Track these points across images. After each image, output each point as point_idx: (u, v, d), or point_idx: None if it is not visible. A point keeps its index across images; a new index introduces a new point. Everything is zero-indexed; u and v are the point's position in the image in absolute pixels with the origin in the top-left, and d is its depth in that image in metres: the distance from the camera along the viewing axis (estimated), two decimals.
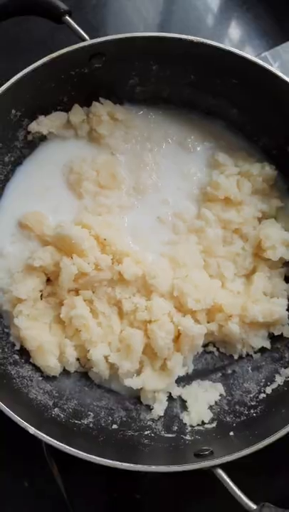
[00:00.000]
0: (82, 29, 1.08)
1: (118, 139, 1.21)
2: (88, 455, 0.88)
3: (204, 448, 0.97)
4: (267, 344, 1.17)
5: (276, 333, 1.16)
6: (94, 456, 0.88)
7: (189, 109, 1.25)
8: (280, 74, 1.07)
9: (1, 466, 1.21)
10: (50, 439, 0.88)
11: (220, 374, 1.18)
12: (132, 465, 0.89)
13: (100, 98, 1.20)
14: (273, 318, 1.11)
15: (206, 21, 1.56)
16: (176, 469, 0.89)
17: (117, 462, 0.89)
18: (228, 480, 0.88)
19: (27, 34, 1.44)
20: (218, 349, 1.20)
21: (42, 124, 1.17)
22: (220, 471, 0.89)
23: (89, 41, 1.05)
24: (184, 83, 1.19)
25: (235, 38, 1.54)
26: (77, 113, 1.20)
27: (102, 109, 1.19)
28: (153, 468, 0.89)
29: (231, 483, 0.88)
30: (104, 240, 1.11)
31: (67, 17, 1.08)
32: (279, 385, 1.11)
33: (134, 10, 1.53)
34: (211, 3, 1.57)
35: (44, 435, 0.88)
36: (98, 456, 0.90)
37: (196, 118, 1.25)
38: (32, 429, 0.89)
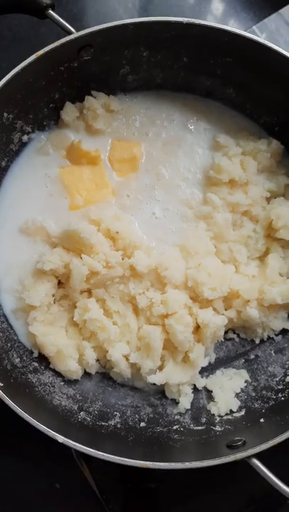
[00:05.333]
0: (66, 22, 1.04)
1: (116, 130, 1.17)
2: (121, 458, 0.87)
3: (236, 439, 0.95)
4: (288, 325, 1.15)
5: None
6: (127, 459, 0.87)
7: (185, 92, 1.21)
8: (272, 46, 1.03)
9: (32, 470, 1.20)
10: (80, 446, 0.87)
11: (243, 360, 1.16)
12: (165, 464, 0.87)
13: (92, 91, 1.17)
14: None
15: None
16: (211, 463, 0.87)
17: (149, 462, 0.87)
18: (264, 469, 0.87)
19: (9, 32, 1.39)
20: (238, 335, 1.18)
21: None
22: (255, 461, 0.88)
23: (76, 34, 1.01)
24: (177, 67, 1.16)
25: (219, 14, 1.49)
26: (69, 111, 1.17)
27: (96, 102, 1.16)
28: (187, 465, 0.87)
29: (268, 472, 0.86)
30: (117, 232, 1.08)
31: (50, 11, 1.04)
32: None
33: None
34: None
35: (74, 443, 0.87)
36: (130, 458, 0.89)
37: (194, 101, 1.22)
38: (61, 438, 0.87)
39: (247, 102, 1.20)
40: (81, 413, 1.05)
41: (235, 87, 1.18)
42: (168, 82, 1.20)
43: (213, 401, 1.10)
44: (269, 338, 1.17)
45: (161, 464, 0.87)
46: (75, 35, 1.01)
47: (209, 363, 1.15)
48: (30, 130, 1.16)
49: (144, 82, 1.20)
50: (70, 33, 1.02)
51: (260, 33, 1.39)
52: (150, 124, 1.20)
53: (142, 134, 1.19)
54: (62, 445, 1.10)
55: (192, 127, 1.20)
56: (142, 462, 0.87)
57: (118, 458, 0.87)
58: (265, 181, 1.16)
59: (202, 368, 1.13)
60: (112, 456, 0.87)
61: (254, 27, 1.42)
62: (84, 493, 1.17)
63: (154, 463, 0.87)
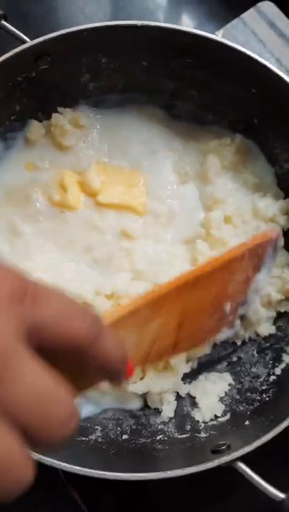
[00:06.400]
0: (22, 32, 1.03)
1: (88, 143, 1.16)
2: (98, 471, 0.82)
3: (220, 443, 0.91)
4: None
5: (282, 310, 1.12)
6: (104, 472, 0.82)
7: (149, 96, 1.20)
8: (229, 43, 1.03)
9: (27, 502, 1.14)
10: (52, 461, 0.82)
11: (225, 363, 1.13)
12: (144, 474, 0.83)
13: (58, 108, 1.15)
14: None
15: (156, 15, 1.53)
16: (193, 471, 0.83)
17: (128, 474, 0.83)
18: (250, 472, 0.83)
19: None
20: None
21: None
22: (240, 464, 0.84)
23: (30, 42, 1.00)
24: (138, 71, 1.15)
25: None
26: (35, 129, 1.14)
27: (63, 119, 1.14)
28: (168, 473, 0.83)
29: (254, 475, 0.82)
30: None
31: (3, 21, 1.03)
32: (288, 364, 1.06)
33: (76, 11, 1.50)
34: None
35: (47, 458, 0.82)
36: (110, 470, 0.84)
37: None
38: (35, 455, 0.83)
39: (211, 104, 1.19)
40: None
41: (198, 89, 1.18)
42: (130, 88, 1.19)
43: (197, 407, 1.06)
44: (251, 339, 1.13)
45: (140, 474, 0.82)
46: (30, 43, 1.00)
47: (191, 368, 1.11)
48: None
49: (107, 89, 1.19)
50: (24, 42, 1.02)
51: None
52: (120, 132, 1.18)
53: (113, 144, 1.18)
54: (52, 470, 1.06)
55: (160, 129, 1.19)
56: (120, 474, 0.82)
57: (94, 471, 0.82)
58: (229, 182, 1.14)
59: (184, 375, 1.09)
60: (89, 470, 0.83)
61: (216, 32, 1.43)
62: None
63: (134, 474, 0.82)
